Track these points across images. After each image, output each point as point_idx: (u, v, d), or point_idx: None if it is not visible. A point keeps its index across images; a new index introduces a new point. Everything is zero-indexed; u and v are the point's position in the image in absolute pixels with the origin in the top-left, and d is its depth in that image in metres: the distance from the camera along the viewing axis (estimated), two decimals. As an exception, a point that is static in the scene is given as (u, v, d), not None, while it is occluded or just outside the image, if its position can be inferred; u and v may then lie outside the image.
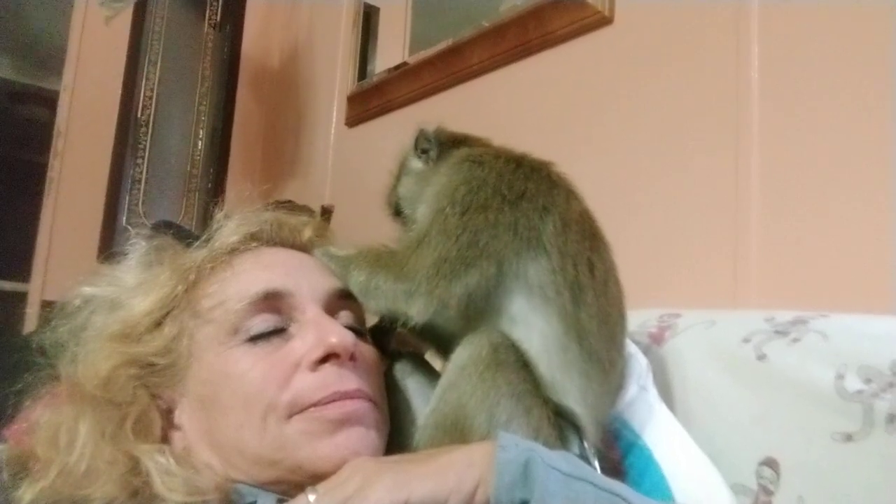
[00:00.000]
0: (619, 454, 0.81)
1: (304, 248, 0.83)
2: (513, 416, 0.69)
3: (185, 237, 0.83)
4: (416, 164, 0.87)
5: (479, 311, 0.74)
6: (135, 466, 0.65)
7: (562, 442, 0.72)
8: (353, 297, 0.78)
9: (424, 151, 0.86)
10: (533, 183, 0.76)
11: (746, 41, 1.15)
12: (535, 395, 0.71)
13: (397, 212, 0.90)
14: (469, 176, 0.76)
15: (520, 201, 0.74)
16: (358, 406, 0.70)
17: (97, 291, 0.76)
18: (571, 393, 0.74)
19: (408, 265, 0.73)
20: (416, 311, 0.72)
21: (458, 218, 0.73)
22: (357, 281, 0.76)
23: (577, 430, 0.75)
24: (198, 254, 0.76)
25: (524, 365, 0.72)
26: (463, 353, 0.72)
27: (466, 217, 0.72)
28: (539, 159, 0.81)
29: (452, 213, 0.73)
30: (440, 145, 0.85)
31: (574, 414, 0.74)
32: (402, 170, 0.89)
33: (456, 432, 0.69)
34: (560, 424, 0.73)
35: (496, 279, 0.73)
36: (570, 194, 0.78)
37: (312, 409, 0.68)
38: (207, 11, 2.11)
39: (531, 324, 0.73)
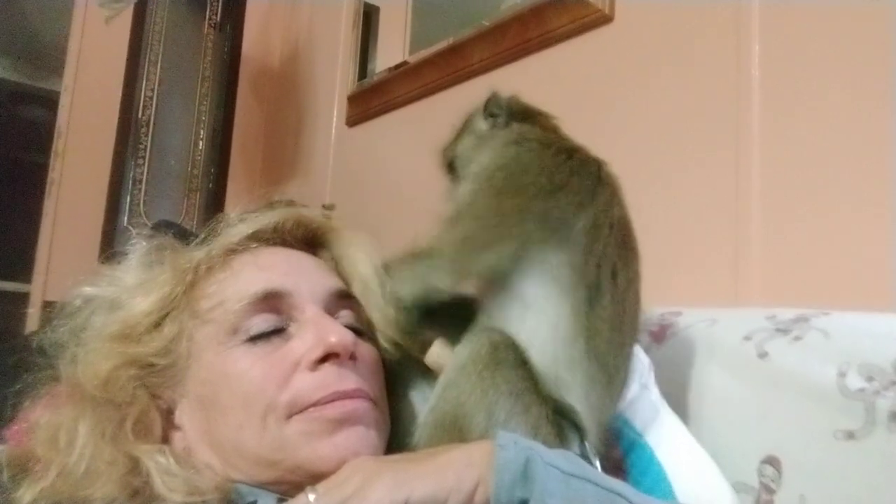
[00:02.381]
0: (620, 453, 0.81)
1: (308, 243, 0.83)
2: (511, 415, 0.69)
3: (186, 237, 0.82)
4: (482, 125, 0.87)
5: (498, 288, 0.75)
6: (135, 467, 0.65)
7: (561, 440, 0.72)
8: (353, 297, 0.78)
9: (492, 115, 0.86)
10: (578, 178, 0.76)
11: (747, 40, 1.15)
12: (534, 393, 0.71)
13: (451, 167, 0.89)
14: (511, 161, 0.77)
15: (557, 193, 0.74)
16: (357, 405, 0.70)
17: (97, 291, 0.76)
18: (574, 391, 0.74)
19: (437, 244, 0.74)
20: (441, 282, 0.73)
21: (488, 199, 0.74)
22: (401, 276, 0.77)
23: (578, 429, 0.75)
24: (197, 254, 0.76)
25: (523, 363, 0.72)
26: (462, 351, 0.72)
27: (497, 201, 0.73)
28: (592, 155, 0.80)
29: (485, 194, 0.74)
30: (510, 114, 0.85)
31: (575, 412, 0.74)
32: (465, 127, 0.89)
33: (455, 431, 0.69)
34: (560, 423, 0.73)
35: (516, 261, 0.73)
36: (613, 197, 0.78)
37: (312, 409, 0.68)
38: (208, 11, 2.11)
39: (543, 312, 0.73)
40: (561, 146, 0.79)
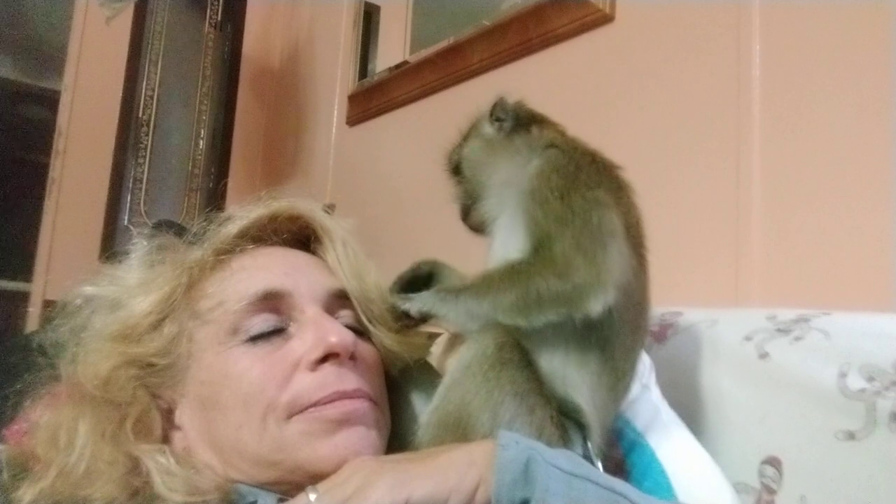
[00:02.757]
0: (621, 453, 0.81)
1: (305, 240, 0.83)
2: (516, 415, 0.69)
3: (185, 236, 0.82)
4: (488, 130, 0.86)
5: None
6: (135, 467, 0.65)
7: (565, 442, 0.72)
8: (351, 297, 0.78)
9: (499, 120, 0.86)
10: (605, 178, 0.77)
11: (748, 39, 1.15)
12: (539, 394, 0.71)
13: (456, 170, 0.89)
14: (556, 164, 0.76)
15: (598, 188, 0.74)
16: (358, 406, 0.70)
17: (98, 291, 0.76)
18: (581, 392, 0.74)
19: (557, 262, 0.69)
20: (595, 304, 0.68)
21: (559, 202, 0.72)
22: (508, 303, 0.71)
23: (582, 429, 0.75)
24: (197, 254, 0.76)
25: (528, 364, 0.72)
26: (467, 351, 0.72)
27: (567, 200, 0.72)
28: (609, 159, 0.81)
29: (554, 198, 0.72)
30: (517, 119, 0.85)
31: (581, 411, 0.74)
32: (471, 131, 0.88)
33: (459, 431, 0.69)
34: (564, 424, 0.73)
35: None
36: (631, 202, 0.78)
37: (312, 409, 0.68)
38: (208, 11, 2.11)
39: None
40: (584, 150, 0.80)
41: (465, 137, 0.89)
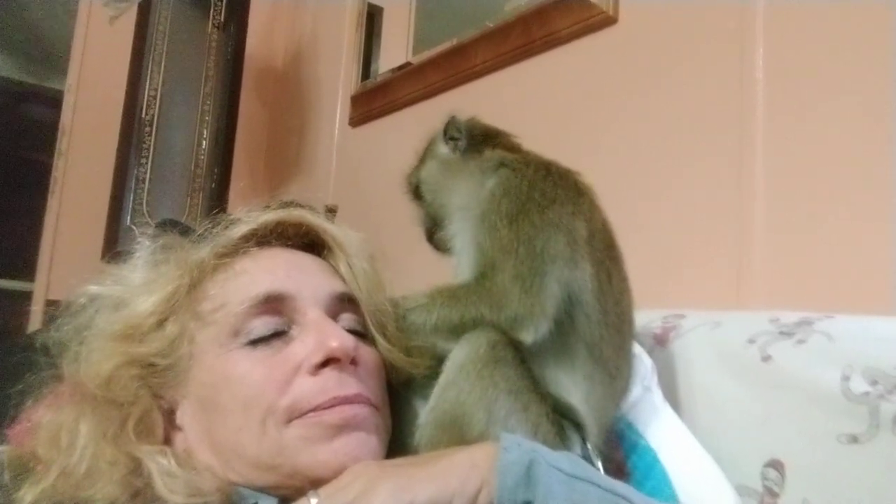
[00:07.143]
0: (622, 455, 0.81)
1: (309, 244, 0.82)
2: (511, 413, 0.69)
3: (190, 236, 0.82)
4: (443, 150, 0.87)
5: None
6: (136, 467, 0.65)
7: (562, 440, 0.72)
8: (355, 300, 0.77)
9: (453, 139, 0.86)
10: (562, 190, 0.77)
11: (751, 41, 1.15)
12: (533, 391, 0.72)
13: (416, 193, 0.89)
14: (507, 185, 0.77)
15: (552, 205, 0.75)
16: (358, 411, 0.69)
17: (103, 290, 0.75)
18: (574, 393, 0.74)
19: (494, 293, 0.72)
20: (528, 335, 0.72)
21: (507, 230, 0.73)
22: (448, 327, 0.74)
23: (579, 429, 0.75)
24: (199, 255, 0.76)
25: (522, 362, 0.72)
26: (461, 351, 0.72)
27: (515, 227, 0.73)
28: (565, 168, 0.81)
29: (502, 226, 0.74)
30: (470, 138, 0.85)
31: (576, 411, 0.74)
32: (427, 153, 0.89)
33: (455, 430, 0.70)
34: (560, 423, 0.73)
35: (569, 281, 0.73)
36: (593, 204, 0.79)
37: (312, 413, 0.67)
38: (211, 11, 2.11)
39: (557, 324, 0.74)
40: (538, 163, 0.80)
41: (422, 159, 0.89)
